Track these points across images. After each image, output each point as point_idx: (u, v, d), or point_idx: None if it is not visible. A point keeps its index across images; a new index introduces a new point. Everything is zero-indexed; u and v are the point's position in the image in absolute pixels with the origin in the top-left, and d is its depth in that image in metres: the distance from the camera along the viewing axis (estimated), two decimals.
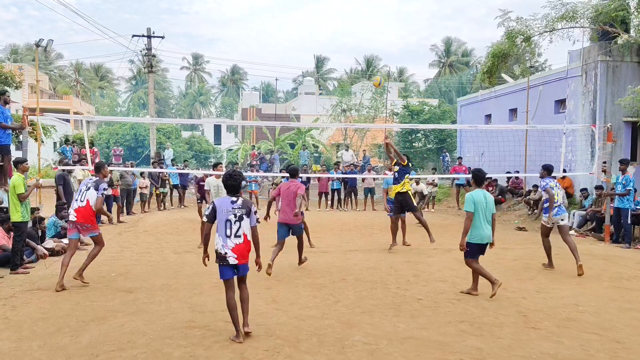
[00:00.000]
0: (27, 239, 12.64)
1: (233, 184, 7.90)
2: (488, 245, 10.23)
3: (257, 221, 7.93)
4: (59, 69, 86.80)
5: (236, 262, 7.67)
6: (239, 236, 7.71)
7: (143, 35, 35.02)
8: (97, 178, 10.92)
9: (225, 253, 7.66)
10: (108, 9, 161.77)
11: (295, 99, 70.17)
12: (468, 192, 10.22)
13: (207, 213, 7.80)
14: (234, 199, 7.82)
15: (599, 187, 18.82)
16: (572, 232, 18.74)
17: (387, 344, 7.44)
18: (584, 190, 20.44)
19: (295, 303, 9.56)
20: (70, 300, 9.68)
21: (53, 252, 13.72)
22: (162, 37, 35.64)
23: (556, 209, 12.88)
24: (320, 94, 68.30)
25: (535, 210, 21.91)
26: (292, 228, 12.45)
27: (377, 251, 14.83)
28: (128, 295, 9.90)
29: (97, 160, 16.68)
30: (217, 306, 9.25)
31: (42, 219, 14.56)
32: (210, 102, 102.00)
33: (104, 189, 10.88)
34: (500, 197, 24.97)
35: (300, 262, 12.79)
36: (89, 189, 10.63)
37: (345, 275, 11.88)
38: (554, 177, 13.25)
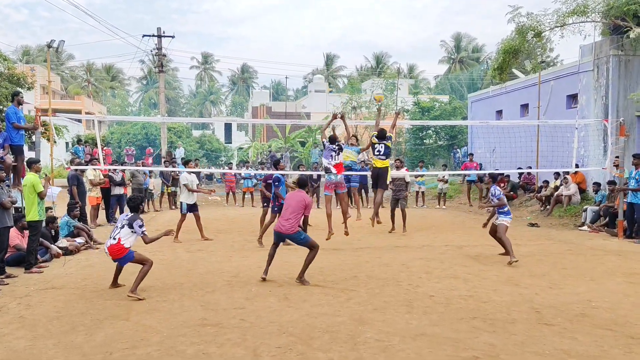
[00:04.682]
0: (40, 238, 12.71)
1: (132, 205, 10.48)
2: None
3: (142, 233, 10.05)
4: (70, 69, 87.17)
5: (110, 257, 10.09)
6: (115, 239, 9.96)
7: (153, 35, 35.03)
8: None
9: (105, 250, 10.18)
10: (118, 9, 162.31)
11: (306, 97, 70.25)
12: None
13: None
14: (130, 214, 10.32)
15: (611, 182, 18.73)
16: (585, 227, 18.70)
17: (400, 341, 7.44)
18: (596, 184, 20.31)
19: (307, 300, 9.57)
20: (84, 298, 9.74)
21: (66, 252, 13.79)
22: (173, 37, 35.60)
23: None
24: (330, 91, 68.29)
25: (548, 207, 21.88)
26: (282, 239, 11.25)
27: (388, 248, 14.82)
28: (141, 294, 9.93)
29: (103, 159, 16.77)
30: (230, 304, 9.30)
31: (54, 219, 14.63)
32: (221, 100, 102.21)
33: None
34: (512, 193, 24.92)
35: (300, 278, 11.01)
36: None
37: (357, 272, 11.88)
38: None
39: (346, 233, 14.37)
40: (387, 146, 14.71)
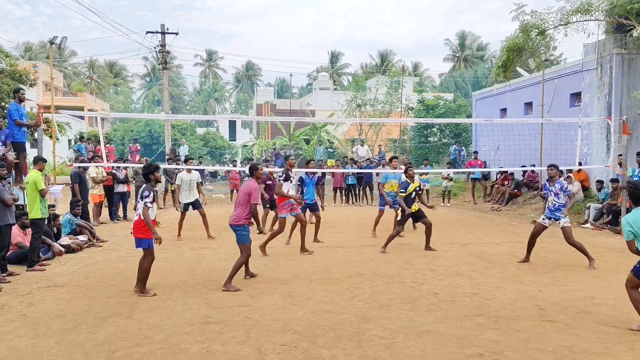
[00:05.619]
0: (43, 236, 12.69)
1: (143, 173, 10.12)
2: None
3: (145, 204, 9.66)
4: (73, 66, 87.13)
5: (132, 233, 9.94)
6: (137, 215, 9.78)
7: (157, 32, 34.94)
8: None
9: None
10: (121, 6, 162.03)
11: (310, 95, 70.10)
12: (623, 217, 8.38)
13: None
14: (144, 186, 9.94)
15: (614, 180, 18.72)
16: (588, 225, 18.68)
17: (404, 338, 7.43)
18: (599, 182, 20.28)
19: (311, 298, 9.57)
20: (86, 296, 9.74)
21: (69, 249, 13.80)
22: (176, 34, 35.50)
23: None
24: (335, 89, 68.24)
25: None
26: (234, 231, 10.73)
27: (393, 246, 14.78)
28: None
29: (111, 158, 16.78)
30: (234, 302, 9.29)
31: (56, 216, 14.62)
32: (225, 98, 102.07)
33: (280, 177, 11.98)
34: (516, 190, 24.92)
35: (225, 285, 10.29)
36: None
37: (362, 270, 11.89)
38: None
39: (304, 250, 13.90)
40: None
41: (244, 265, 10.78)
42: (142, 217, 9.67)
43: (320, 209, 15.93)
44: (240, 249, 10.58)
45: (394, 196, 15.80)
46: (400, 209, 14.45)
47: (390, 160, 17.63)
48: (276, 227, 14.70)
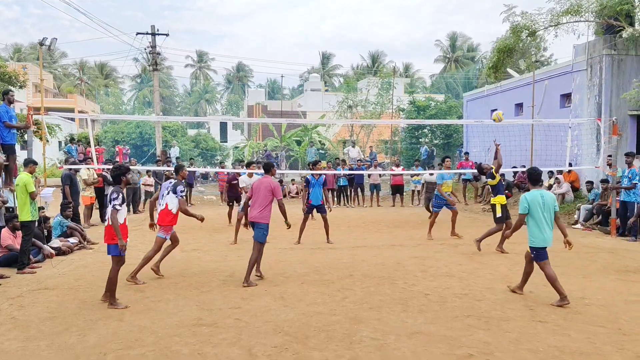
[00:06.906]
0: (33, 239, 12.63)
1: (113, 175, 9.78)
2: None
3: (113, 207, 9.34)
4: (63, 67, 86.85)
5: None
6: (107, 220, 9.43)
7: (147, 33, 34.83)
8: (176, 180, 11.30)
9: None
10: (109, 6, 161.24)
11: (301, 96, 70.09)
12: (522, 194, 9.72)
13: None
14: (112, 188, 9.63)
15: (604, 181, 18.80)
16: (578, 225, 18.74)
17: (395, 339, 7.45)
18: (589, 182, 20.37)
19: (303, 299, 9.57)
20: (77, 299, 9.71)
21: (59, 252, 13.74)
22: (167, 35, 35.38)
23: None
24: (326, 90, 68.23)
25: None
26: (254, 227, 10.90)
27: (384, 247, 14.81)
28: (136, 294, 9.93)
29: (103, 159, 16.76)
30: (225, 303, 9.29)
31: (47, 219, 14.57)
32: (216, 99, 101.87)
33: (181, 191, 11.17)
34: (507, 191, 24.97)
35: (246, 281, 10.61)
36: (168, 192, 11.07)
37: (353, 271, 11.89)
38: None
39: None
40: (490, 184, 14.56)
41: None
42: (109, 221, 9.32)
43: (327, 210, 15.92)
44: (255, 245, 10.80)
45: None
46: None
47: (443, 160, 17.73)
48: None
